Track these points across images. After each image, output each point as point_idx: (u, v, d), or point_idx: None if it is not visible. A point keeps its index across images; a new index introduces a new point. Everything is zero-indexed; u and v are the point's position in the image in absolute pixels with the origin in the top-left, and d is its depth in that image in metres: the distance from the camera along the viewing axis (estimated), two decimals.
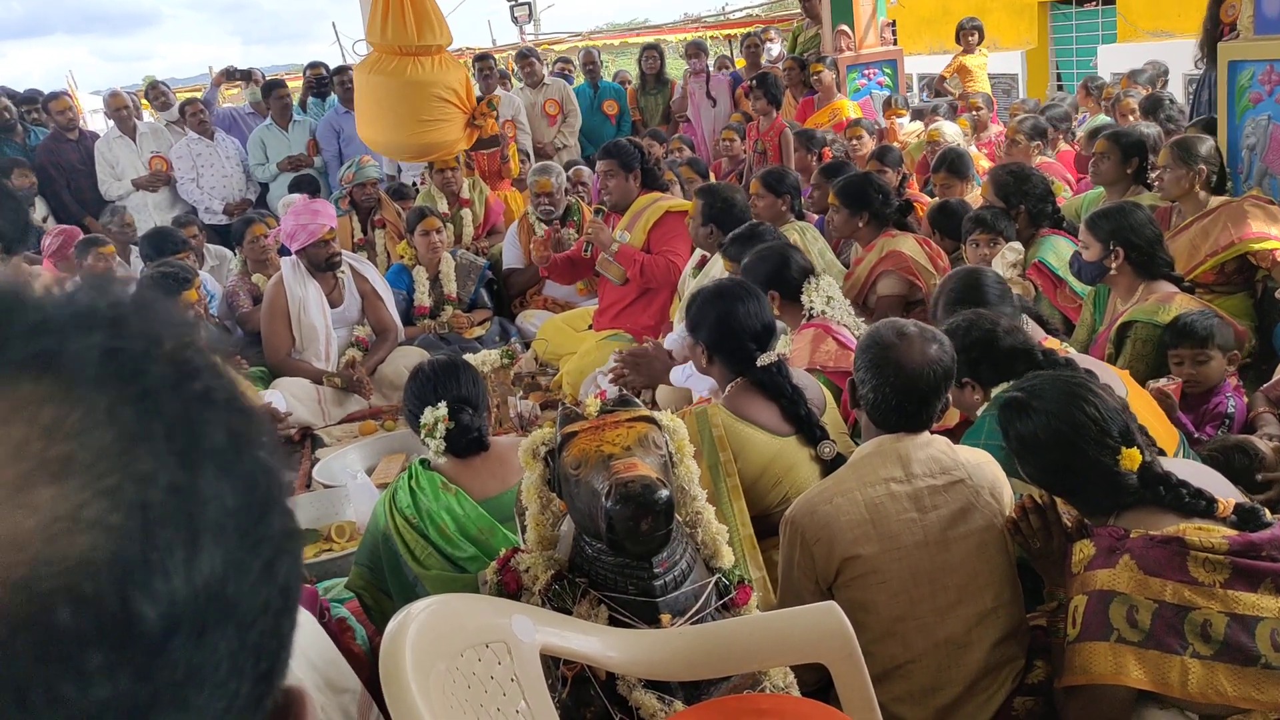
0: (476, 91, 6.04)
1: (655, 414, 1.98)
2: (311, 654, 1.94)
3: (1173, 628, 1.79)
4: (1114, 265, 3.31)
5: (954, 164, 5.00)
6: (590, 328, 4.90)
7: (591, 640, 1.71)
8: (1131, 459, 1.91)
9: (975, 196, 4.84)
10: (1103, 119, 6.34)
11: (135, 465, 0.38)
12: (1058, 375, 2.15)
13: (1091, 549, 1.94)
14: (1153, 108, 5.72)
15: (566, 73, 9.41)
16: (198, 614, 0.38)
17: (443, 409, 2.60)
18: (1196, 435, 2.93)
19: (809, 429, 2.67)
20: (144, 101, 8.64)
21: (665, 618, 1.82)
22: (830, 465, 2.63)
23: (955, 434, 2.63)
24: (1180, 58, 7.34)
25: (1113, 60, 9.40)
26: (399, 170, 7.21)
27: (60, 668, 0.35)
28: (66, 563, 0.35)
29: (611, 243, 4.69)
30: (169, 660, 0.37)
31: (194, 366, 0.42)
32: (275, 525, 0.43)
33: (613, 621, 1.83)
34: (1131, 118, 5.74)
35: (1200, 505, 1.91)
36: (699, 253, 4.46)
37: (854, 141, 6.33)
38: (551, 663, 1.78)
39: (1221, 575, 1.80)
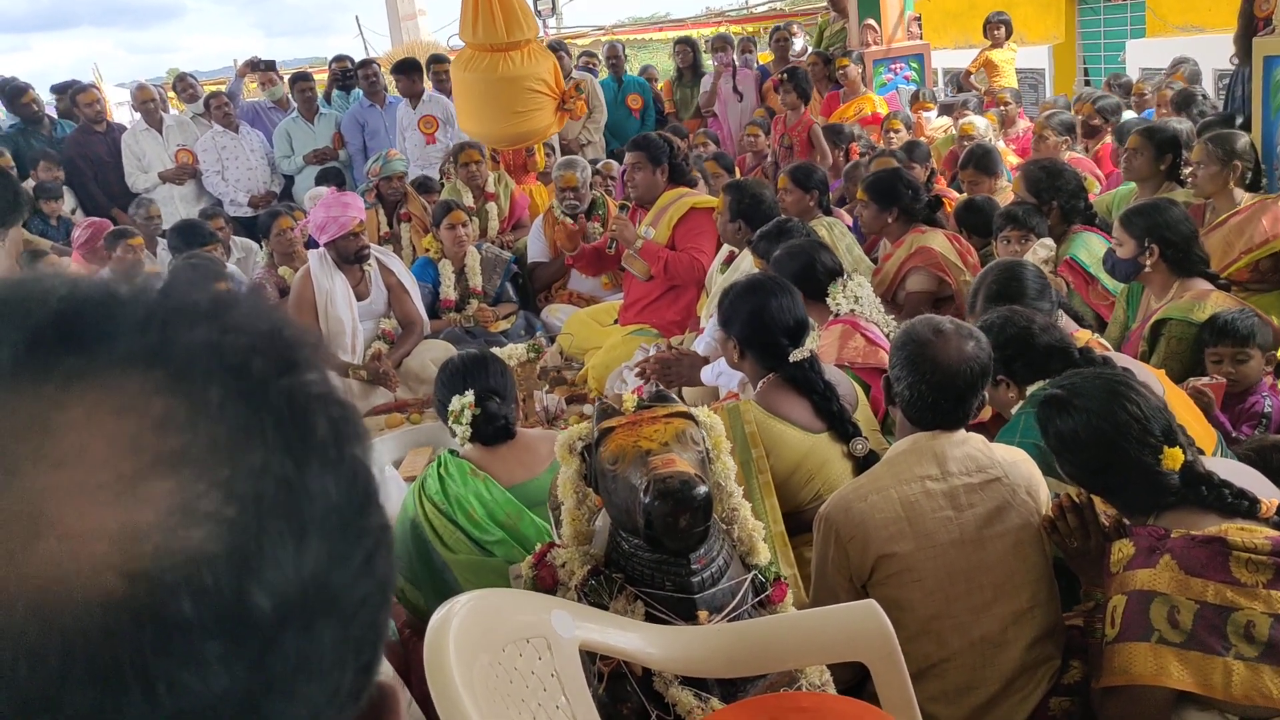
0: None
1: (692, 410, 1.98)
2: None
3: (1215, 628, 1.77)
4: (1149, 262, 3.28)
5: (981, 160, 4.96)
6: (616, 322, 4.89)
7: (630, 636, 1.70)
8: (1174, 458, 1.89)
9: (1004, 193, 4.81)
10: (1129, 115, 6.28)
11: (246, 458, 0.39)
12: (1099, 373, 2.13)
13: (1131, 549, 1.92)
14: (1185, 103, 5.66)
15: (590, 67, 9.40)
16: (306, 605, 0.39)
17: (470, 396, 2.63)
18: (1235, 434, 2.90)
19: (841, 425, 2.66)
20: (170, 94, 8.69)
21: (702, 614, 1.82)
22: (862, 462, 2.62)
23: (989, 429, 2.61)
24: (1210, 53, 7.27)
25: (1141, 55, 9.31)
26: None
27: (182, 658, 0.35)
28: (185, 554, 0.36)
29: (636, 239, 4.68)
30: (281, 650, 0.38)
31: (294, 360, 0.43)
32: (374, 519, 0.44)
33: (649, 618, 1.83)
34: (1163, 110, 5.68)
35: (1243, 506, 1.89)
36: (726, 248, 4.45)
37: (891, 134, 6.27)
38: (588, 658, 1.77)
39: (1264, 576, 1.78)
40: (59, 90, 8.13)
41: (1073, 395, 2.01)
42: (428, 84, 7.89)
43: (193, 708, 0.35)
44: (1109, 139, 5.84)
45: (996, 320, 2.58)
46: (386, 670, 1.88)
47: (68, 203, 6.96)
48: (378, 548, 0.43)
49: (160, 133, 7.42)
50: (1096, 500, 2.12)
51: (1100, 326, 3.71)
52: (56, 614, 0.34)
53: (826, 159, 6.27)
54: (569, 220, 5.67)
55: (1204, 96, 5.75)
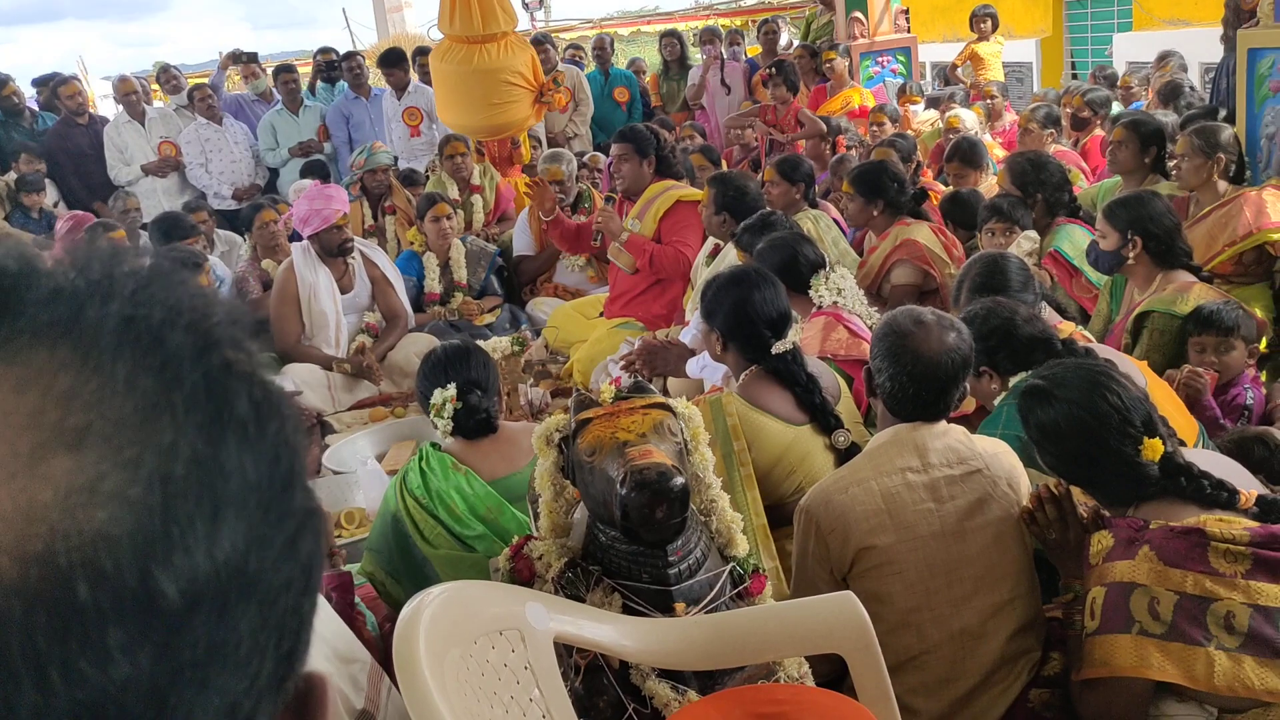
0: None
1: (670, 401, 1.97)
2: (319, 625, 1.93)
3: (1195, 619, 1.77)
4: (1131, 255, 3.27)
5: (967, 153, 4.95)
6: (601, 315, 4.88)
7: (605, 629, 1.69)
8: (1154, 449, 1.89)
9: (990, 185, 4.80)
10: (1117, 107, 6.28)
11: (155, 436, 0.37)
12: (1079, 363, 2.12)
13: (1110, 540, 1.91)
14: (1172, 95, 5.66)
15: (577, 59, 9.37)
16: (219, 590, 0.37)
17: (451, 390, 2.61)
18: (1223, 422, 2.90)
19: (823, 418, 2.65)
20: (154, 86, 8.63)
21: (680, 606, 1.81)
22: (845, 454, 2.61)
23: (972, 421, 2.61)
24: (1196, 46, 7.28)
25: (1128, 49, 9.31)
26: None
27: (79, 645, 0.33)
28: (84, 536, 0.34)
29: (621, 231, 4.66)
30: (190, 638, 0.36)
31: (215, 337, 0.41)
32: (298, 501, 0.42)
33: (626, 610, 1.81)
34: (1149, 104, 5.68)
35: (1222, 497, 1.89)
36: (712, 241, 4.43)
37: (875, 128, 6.27)
38: (565, 651, 1.76)
39: (1243, 566, 1.78)
40: (40, 83, 8.08)
41: (1054, 386, 2.00)
42: (413, 76, 7.85)
43: (92, 698, 0.33)
44: (1099, 131, 5.84)
45: (980, 311, 2.58)
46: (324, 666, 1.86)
47: (50, 196, 6.91)
48: (301, 530, 0.41)
49: (143, 125, 7.38)
50: (1076, 492, 2.11)
51: (1084, 319, 3.72)
52: None
53: (819, 126, 6.32)
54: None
55: (1191, 88, 5.74)
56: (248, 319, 0.44)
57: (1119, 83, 6.86)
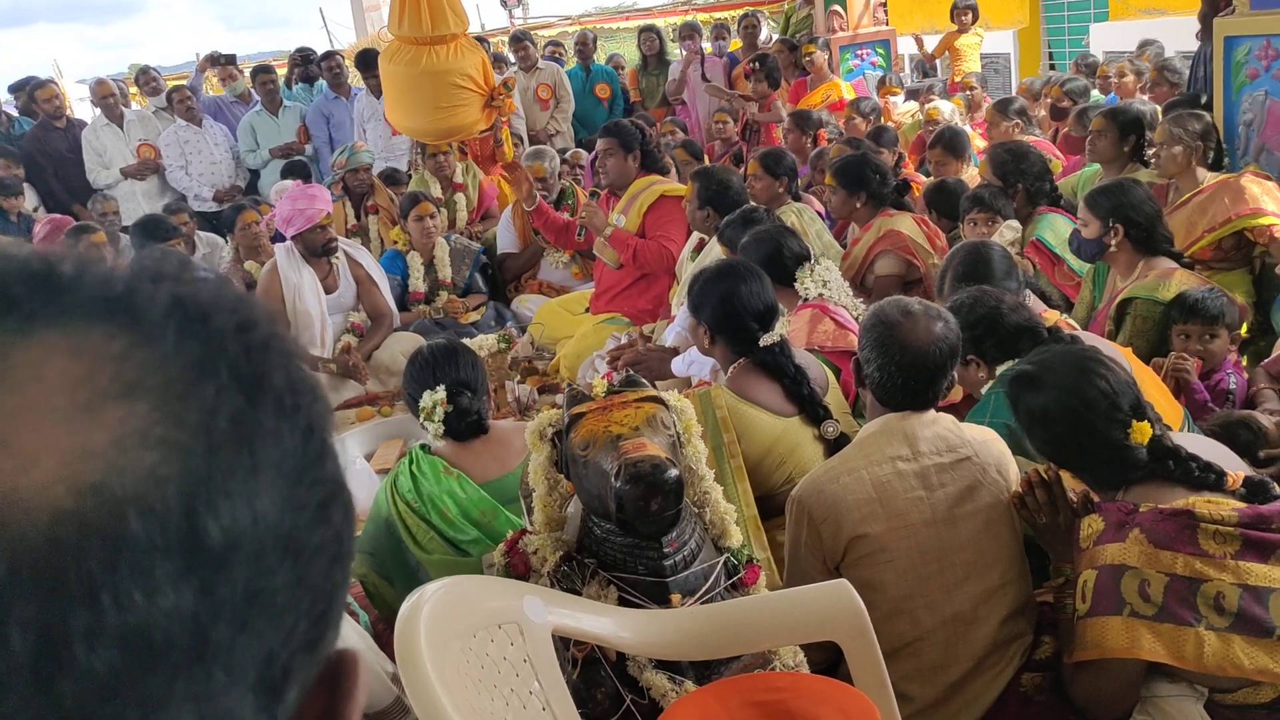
0: None
1: (663, 394, 1.97)
2: None
3: (1185, 600, 1.79)
4: (1113, 242, 3.30)
5: (950, 142, 4.98)
6: (587, 311, 4.88)
7: (603, 621, 1.70)
8: (1142, 432, 1.91)
9: (971, 176, 4.83)
10: (1096, 97, 6.32)
11: (201, 394, 0.40)
12: (1068, 349, 2.14)
13: (1100, 524, 1.93)
14: (1164, 80, 5.66)
15: (557, 56, 9.36)
16: (257, 539, 0.39)
17: (441, 392, 2.60)
18: (1210, 405, 2.93)
19: (812, 409, 2.67)
20: (133, 88, 8.57)
21: (675, 598, 1.82)
22: (834, 445, 2.63)
23: (959, 410, 2.63)
24: (1173, 35, 7.32)
25: (1105, 39, 9.37)
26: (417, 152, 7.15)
27: (129, 573, 0.36)
28: (136, 474, 0.37)
29: (605, 227, 4.66)
30: (230, 579, 0.38)
31: (254, 319, 0.44)
32: (329, 471, 0.45)
33: (622, 602, 1.82)
34: (1141, 93, 5.70)
35: (1209, 479, 1.91)
36: (696, 236, 4.45)
37: (848, 122, 6.30)
38: (562, 644, 1.77)
39: (1232, 547, 1.80)
40: (16, 88, 8.01)
41: (1042, 371, 2.02)
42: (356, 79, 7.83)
43: (139, 623, 0.36)
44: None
45: (965, 300, 2.60)
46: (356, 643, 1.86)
47: (29, 200, 6.85)
48: (333, 498, 0.44)
49: (121, 128, 7.33)
50: (1065, 476, 2.13)
51: (1067, 306, 3.74)
52: (4, 525, 0.35)
53: (778, 114, 6.51)
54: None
55: (1174, 70, 5.75)
56: (276, 313, 0.46)
57: (1097, 72, 6.90)
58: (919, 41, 8.58)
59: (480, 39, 8.53)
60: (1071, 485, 2.15)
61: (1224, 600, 1.77)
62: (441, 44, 5.23)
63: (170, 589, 0.36)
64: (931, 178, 5.03)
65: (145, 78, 8.05)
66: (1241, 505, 1.85)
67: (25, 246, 0.43)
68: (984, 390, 2.59)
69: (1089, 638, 1.86)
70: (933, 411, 2.22)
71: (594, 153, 5.21)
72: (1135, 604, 1.81)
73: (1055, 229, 3.91)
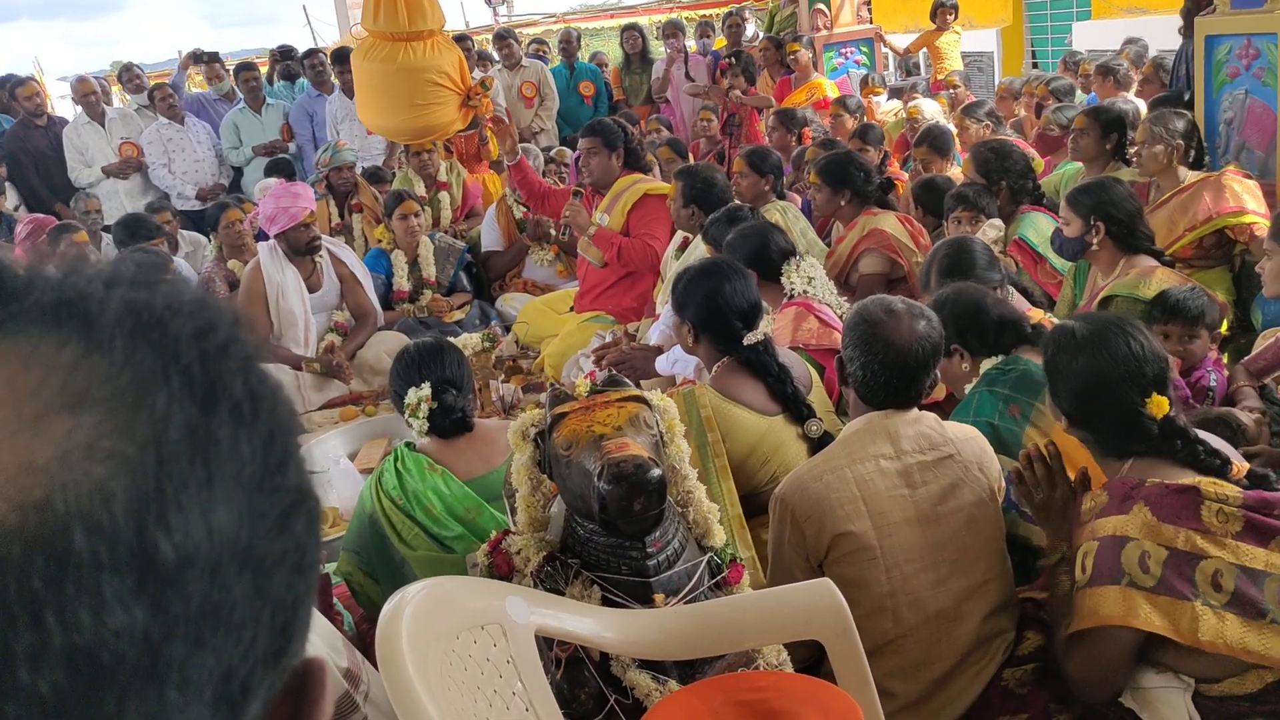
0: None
1: (646, 394, 1.97)
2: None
3: (1184, 575, 1.80)
4: (1095, 240, 3.32)
5: (936, 140, 5.00)
6: (571, 310, 4.88)
7: (586, 621, 1.70)
8: (1159, 405, 1.92)
9: (956, 174, 4.84)
10: (1081, 97, 6.34)
11: (152, 404, 0.39)
12: (1107, 314, 2.15)
13: (1105, 497, 1.95)
14: (1156, 77, 5.67)
15: (541, 54, 9.35)
16: (212, 553, 0.38)
17: (426, 389, 2.60)
18: (1190, 402, 2.95)
19: (796, 407, 2.67)
20: (116, 85, 8.51)
21: (659, 597, 1.82)
22: (817, 443, 2.63)
23: (943, 408, 2.64)
24: (1156, 34, 7.36)
25: (1088, 38, 9.42)
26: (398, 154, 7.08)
27: (75, 591, 0.35)
28: (82, 489, 0.36)
29: (589, 225, 4.66)
30: (184, 595, 0.37)
31: (212, 324, 0.43)
32: (291, 479, 0.43)
33: (606, 602, 1.82)
34: (1125, 93, 5.71)
35: (1214, 464, 1.93)
36: (681, 234, 4.45)
37: (834, 119, 6.31)
38: (545, 645, 1.77)
39: (1234, 526, 1.81)
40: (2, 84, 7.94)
41: (1083, 325, 2.04)
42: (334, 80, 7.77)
43: (87, 644, 0.35)
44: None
45: (950, 294, 2.62)
46: (325, 648, 1.86)
47: (10, 199, 6.81)
48: (294, 509, 0.43)
49: (103, 126, 7.28)
50: (1068, 449, 2.13)
51: (1049, 305, 3.76)
52: None
53: (764, 99, 6.56)
54: (521, 207, 5.64)
55: (1166, 70, 5.76)
56: (241, 314, 0.45)
57: (1079, 71, 6.92)
58: (880, 38, 8.58)
59: (464, 36, 8.52)
60: (1070, 465, 2.15)
61: (1221, 578, 1.78)
62: (418, 40, 5.12)
63: (119, 607, 0.35)
64: (914, 176, 5.04)
65: (129, 74, 8.00)
66: (1246, 489, 1.86)
67: None
68: (968, 389, 2.60)
69: (1087, 606, 1.87)
70: (915, 410, 2.23)
71: (577, 151, 5.19)
72: (1135, 575, 1.82)
73: (1038, 227, 3.92)
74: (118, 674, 0.35)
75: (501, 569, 1.91)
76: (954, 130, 6.11)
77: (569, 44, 8.95)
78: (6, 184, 6.79)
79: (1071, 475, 2.13)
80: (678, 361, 3.41)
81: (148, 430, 0.38)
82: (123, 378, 0.39)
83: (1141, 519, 1.85)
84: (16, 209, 6.84)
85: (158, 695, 0.36)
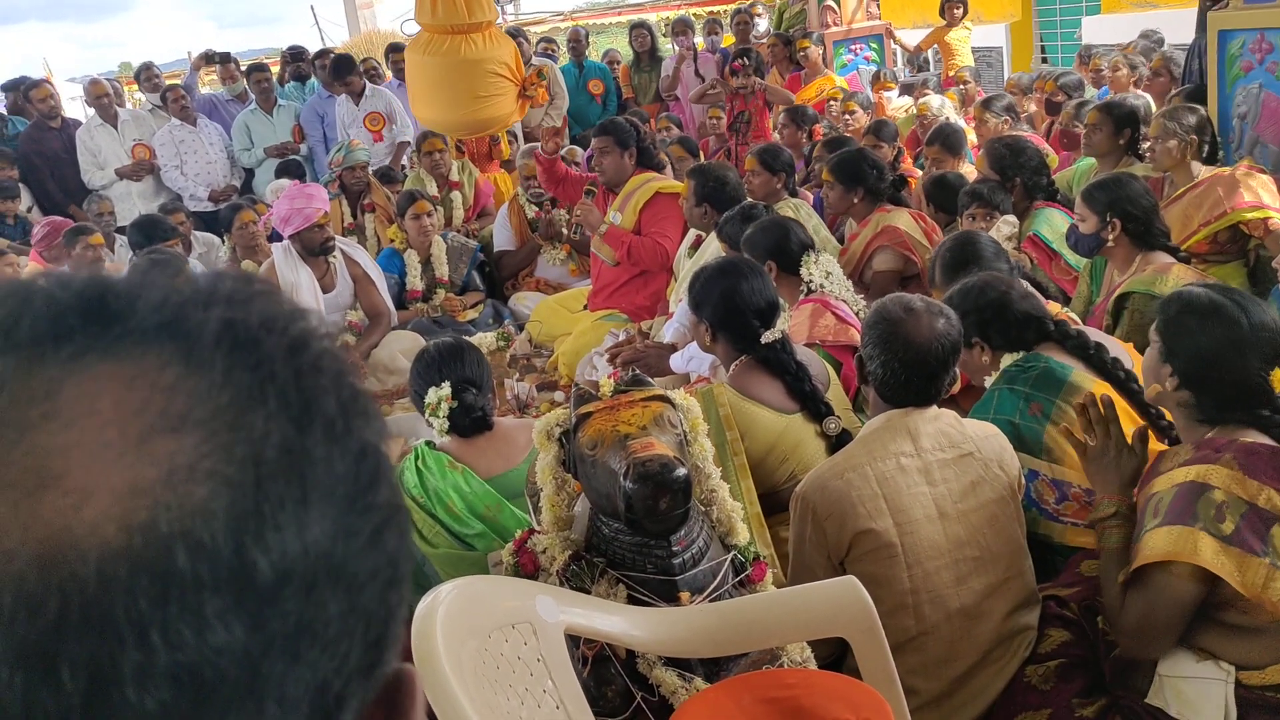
0: None
1: (669, 393, 1.99)
2: None
3: (1258, 533, 1.81)
4: (1111, 236, 3.32)
5: (949, 138, 4.99)
6: (585, 308, 4.89)
7: (614, 619, 1.72)
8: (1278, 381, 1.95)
9: (968, 171, 4.84)
10: (1091, 92, 6.32)
11: (249, 424, 0.40)
12: (1230, 288, 2.16)
13: (1190, 452, 1.97)
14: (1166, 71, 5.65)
15: (550, 53, 9.35)
16: (308, 570, 0.40)
17: (446, 389, 2.62)
18: None
19: (814, 405, 2.68)
20: (132, 86, 8.54)
21: (684, 595, 1.83)
22: (836, 441, 2.64)
23: (961, 404, 2.65)
24: (1165, 28, 7.34)
25: (1098, 32, 9.39)
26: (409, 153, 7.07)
27: (179, 610, 0.36)
28: (184, 510, 0.37)
29: (600, 224, 4.68)
30: (281, 612, 0.38)
31: (306, 340, 0.44)
32: (383, 495, 0.44)
33: (631, 601, 1.84)
34: (1135, 88, 5.70)
35: None
36: (694, 232, 4.46)
37: (848, 116, 6.31)
38: (571, 642, 1.78)
39: None
40: (9, 88, 7.99)
41: (1217, 291, 2.05)
42: (387, 74, 7.78)
43: (190, 661, 0.36)
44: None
45: (975, 284, 2.62)
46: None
47: (25, 200, 6.84)
48: (387, 524, 0.44)
49: (116, 128, 7.31)
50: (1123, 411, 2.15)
51: (1064, 301, 3.76)
52: (56, 563, 0.35)
53: (786, 94, 6.68)
54: (533, 206, 5.66)
55: (1178, 64, 5.74)
56: (333, 328, 0.46)
57: (1091, 65, 6.90)
58: (890, 34, 8.57)
59: (518, 30, 8.54)
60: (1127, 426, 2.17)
61: None
62: (477, 31, 5.16)
63: (220, 625, 0.37)
64: (927, 173, 5.04)
65: (147, 74, 8.05)
66: None
67: (81, 274, 0.44)
68: (988, 382, 2.60)
69: (1152, 544, 1.88)
70: (935, 407, 2.23)
71: (589, 150, 5.19)
72: (1208, 522, 1.84)
73: (1052, 224, 3.93)
74: (220, 690, 0.37)
75: (527, 568, 1.93)
76: (968, 125, 6.12)
77: (578, 43, 8.95)
78: (20, 186, 6.82)
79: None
80: (693, 359, 3.42)
81: (246, 450, 0.39)
82: (221, 398, 0.40)
83: (1227, 470, 1.87)
84: (29, 210, 6.87)
85: (257, 709, 0.38)
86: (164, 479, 0.38)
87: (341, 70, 7.23)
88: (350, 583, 0.41)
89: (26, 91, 7.52)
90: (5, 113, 7.91)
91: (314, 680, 0.40)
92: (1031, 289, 2.94)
